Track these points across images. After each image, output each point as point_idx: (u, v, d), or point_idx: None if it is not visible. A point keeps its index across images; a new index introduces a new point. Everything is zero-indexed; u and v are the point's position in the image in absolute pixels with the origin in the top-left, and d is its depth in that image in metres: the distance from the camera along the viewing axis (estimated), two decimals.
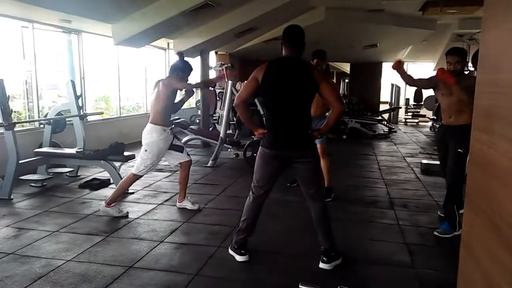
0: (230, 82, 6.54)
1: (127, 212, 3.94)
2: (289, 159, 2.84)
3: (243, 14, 7.13)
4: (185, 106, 11.81)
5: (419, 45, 12.69)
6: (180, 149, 4.07)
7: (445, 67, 3.42)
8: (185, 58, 4.00)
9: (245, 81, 2.92)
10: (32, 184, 4.88)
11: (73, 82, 5.39)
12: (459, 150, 3.41)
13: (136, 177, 3.92)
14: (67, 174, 5.43)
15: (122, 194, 4.08)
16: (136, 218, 3.85)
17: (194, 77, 11.94)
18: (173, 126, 4.34)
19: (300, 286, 2.53)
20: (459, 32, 10.65)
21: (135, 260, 2.92)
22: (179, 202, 4.20)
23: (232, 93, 6.44)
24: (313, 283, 2.48)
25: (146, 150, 3.83)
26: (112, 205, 3.87)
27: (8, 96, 4.34)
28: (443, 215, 3.80)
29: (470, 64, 9.56)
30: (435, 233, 3.47)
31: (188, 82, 3.97)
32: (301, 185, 2.94)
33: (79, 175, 5.51)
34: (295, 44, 2.79)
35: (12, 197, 4.41)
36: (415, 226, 3.76)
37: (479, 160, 0.86)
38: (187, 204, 4.15)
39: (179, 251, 3.17)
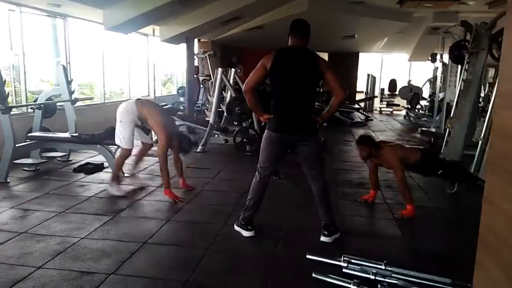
0: (219, 69, 6.66)
1: (125, 192, 4.12)
2: (293, 141, 3.05)
3: (230, 3, 7.24)
4: (165, 93, 11.85)
5: (394, 37, 13.15)
6: (147, 131, 4.40)
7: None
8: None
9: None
10: (26, 168, 4.88)
11: (64, 67, 5.38)
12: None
13: (124, 152, 4.13)
14: (59, 158, 5.44)
15: (120, 169, 4.29)
16: (138, 200, 3.98)
17: (180, 64, 11.93)
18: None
19: (307, 256, 2.79)
20: (434, 25, 11.14)
21: (148, 237, 3.07)
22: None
23: (221, 80, 6.56)
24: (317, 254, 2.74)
25: (120, 121, 4.07)
26: (113, 183, 4.11)
27: (4, 80, 4.32)
28: None
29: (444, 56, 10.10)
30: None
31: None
32: (303, 166, 3.15)
33: (71, 160, 5.53)
34: (302, 36, 2.98)
35: (8, 180, 4.42)
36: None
37: (502, 132, 1.10)
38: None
39: (187, 228, 3.35)
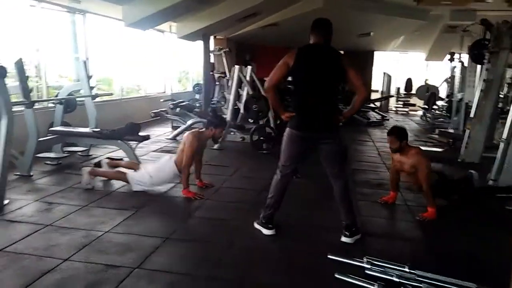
0: (237, 67, 6.66)
1: (93, 186, 4.16)
2: (315, 140, 3.04)
3: None
4: (181, 90, 11.92)
5: (411, 35, 12.98)
6: None
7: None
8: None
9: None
10: (48, 162, 4.97)
11: (85, 63, 5.45)
12: None
13: (122, 178, 4.19)
14: (80, 153, 5.53)
15: (105, 177, 4.36)
16: (158, 196, 4.03)
17: (196, 61, 11.98)
18: None
19: (328, 256, 2.79)
20: (451, 24, 10.97)
21: (170, 233, 3.11)
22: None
23: (239, 78, 6.57)
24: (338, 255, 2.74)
25: (151, 176, 4.10)
26: (91, 175, 4.17)
27: (27, 75, 4.40)
28: None
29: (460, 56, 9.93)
30: None
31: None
32: (325, 164, 3.14)
33: (91, 154, 5.62)
34: (324, 34, 2.97)
35: (31, 173, 4.51)
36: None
37: None
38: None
39: (208, 225, 3.38)
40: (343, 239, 3.09)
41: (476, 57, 6.59)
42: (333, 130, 3.05)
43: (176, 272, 2.55)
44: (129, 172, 4.14)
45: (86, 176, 4.12)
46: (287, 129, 3.09)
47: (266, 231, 3.17)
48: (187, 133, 4.20)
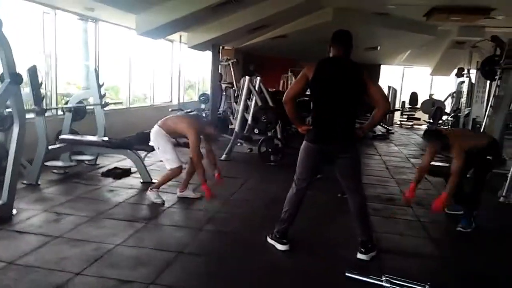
0: (247, 77, 6.65)
1: (163, 201, 4.05)
2: (332, 154, 2.99)
3: (259, 10, 7.25)
4: (187, 99, 11.91)
5: (417, 50, 13.01)
6: (188, 145, 4.25)
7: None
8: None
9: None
10: (55, 171, 4.92)
11: (96, 71, 5.43)
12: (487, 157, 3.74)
13: (175, 171, 4.05)
14: (87, 162, 5.48)
15: (165, 183, 4.18)
16: (169, 207, 3.97)
17: (202, 71, 12.00)
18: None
19: (346, 274, 2.72)
20: (459, 39, 10.99)
21: (183, 246, 3.04)
22: (180, 191, 4.32)
23: (249, 89, 6.55)
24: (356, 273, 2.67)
25: (158, 148, 4.07)
26: (154, 190, 4.05)
27: (41, 82, 4.38)
28: (449, 212, 4.09)
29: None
30: (458, 228, 3.70)
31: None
32: (341, 179, 3.09)
33: (98, 164, 5.57)
34: (344, 46, 2.94)
35: (39, 182, 4.46)
36: (435, 222, 3.97)
37: None
38: (190, 194, 4.31)
39: (220, 239, 3.32)
40: (359, 255, 3.02)
41: (487, 73, 6.56)
42: (351, 144, 3.00)
43: None
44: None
45: (152, 195, 4.05)
46: (304, 142, 3.04)
47: (280, 246, 3.10)
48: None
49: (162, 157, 4.11)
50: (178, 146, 4.37)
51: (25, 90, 4.27)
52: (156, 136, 4.07)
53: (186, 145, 4.19)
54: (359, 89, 2.90)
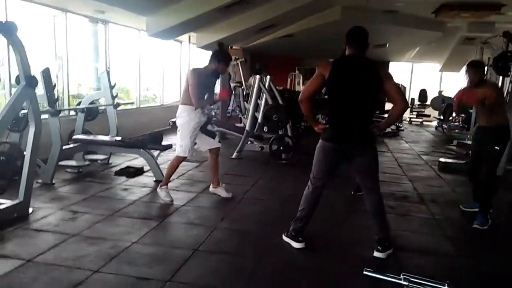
0: (257, 76, 6.63)
1: (172, 199, 4.05)
2: (348, 152, 2.97)
3: (268, 10, 7.25)
4: None
5: (426, 47, 12.90)
6: (212, 134, 4.17)
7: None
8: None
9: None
10: (69, 170, 4.97)
11: (108, 72, 5.47)
12: (496, 147, 3.66)
13: (179, 159, 4.03)
14: (100, 161, 5.52)
15: (171, 175, 4.15)
16: (183, 205, 3.98)
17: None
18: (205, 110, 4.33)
19: (364, 272, 2.70)
20: (468, 36, 10.86)
21: (198, 244, 3.05)
22: (213, 187, 4.30)
23: (259, 88, 6.54)
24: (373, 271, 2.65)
25: (179, 131, 4.00)
26: (163, 187, 4.03)
27: (54, 84, 4.42)
28: (465, 209, 4.10)
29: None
30: (474, 226, 3.66)
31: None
32: (358, 177, 3.08)
33: (111, 163, 5.61)
34: (361, 44, 2.92)
35: (54, 182, 4.50)
36: (450, 220, 3.94)
37: None
38: (221, 192, 4.26)
39: (235, 237, 3.32)
40: (376, 253, 3.00)
41: (500, 69, 6.47)
42: (368, 143, 2.99)
43: (209, 286, 2.49)
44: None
45: (162, 193, 4.03)
46: (320, 141, 3.02)
47: (295, 244, 3.09)
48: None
49: (177, 141, 4.01)
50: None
51: (39, 91, 4.32)
52: (181, 117, 3.96)
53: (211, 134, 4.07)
54: (376, 87, 2.87)
